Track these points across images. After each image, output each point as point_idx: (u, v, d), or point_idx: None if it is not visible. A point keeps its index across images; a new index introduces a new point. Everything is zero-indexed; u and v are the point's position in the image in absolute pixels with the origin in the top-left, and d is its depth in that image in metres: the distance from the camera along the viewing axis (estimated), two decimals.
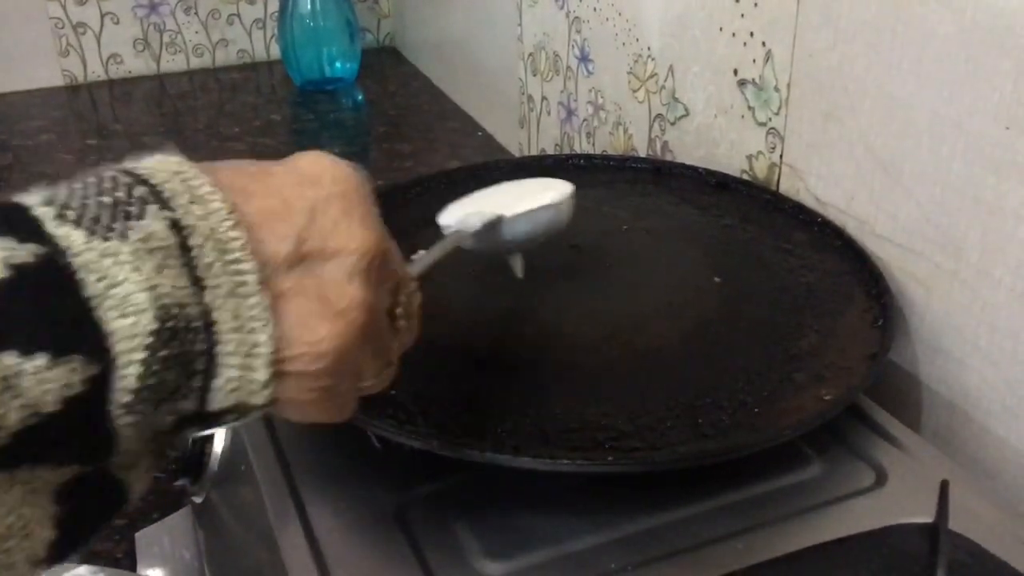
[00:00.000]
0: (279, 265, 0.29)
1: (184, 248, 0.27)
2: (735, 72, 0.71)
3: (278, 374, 0.29)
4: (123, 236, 0.26)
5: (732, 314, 0.57)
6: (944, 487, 0.44)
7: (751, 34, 0.68)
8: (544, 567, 0.43)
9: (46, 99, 1.37)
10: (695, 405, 0.49)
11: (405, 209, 0.71)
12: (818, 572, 0.42)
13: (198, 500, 0.56)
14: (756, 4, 0.67)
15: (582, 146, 0.96)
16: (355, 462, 0.49)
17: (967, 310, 0.54)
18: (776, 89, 0.67)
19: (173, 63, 1.46)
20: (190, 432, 0.30)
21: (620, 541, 0.44)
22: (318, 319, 0.30)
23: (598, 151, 0.92)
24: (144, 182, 0.28)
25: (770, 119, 0.68)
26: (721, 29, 0.71)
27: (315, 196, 0.31)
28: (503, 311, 0.59)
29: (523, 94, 1.07)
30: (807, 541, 0.43)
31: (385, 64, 1.51)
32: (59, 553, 0.27)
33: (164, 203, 0.28)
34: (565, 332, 0.56)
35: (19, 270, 0.25)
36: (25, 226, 0.26)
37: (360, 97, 1.39)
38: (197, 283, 0.27)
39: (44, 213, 0.26)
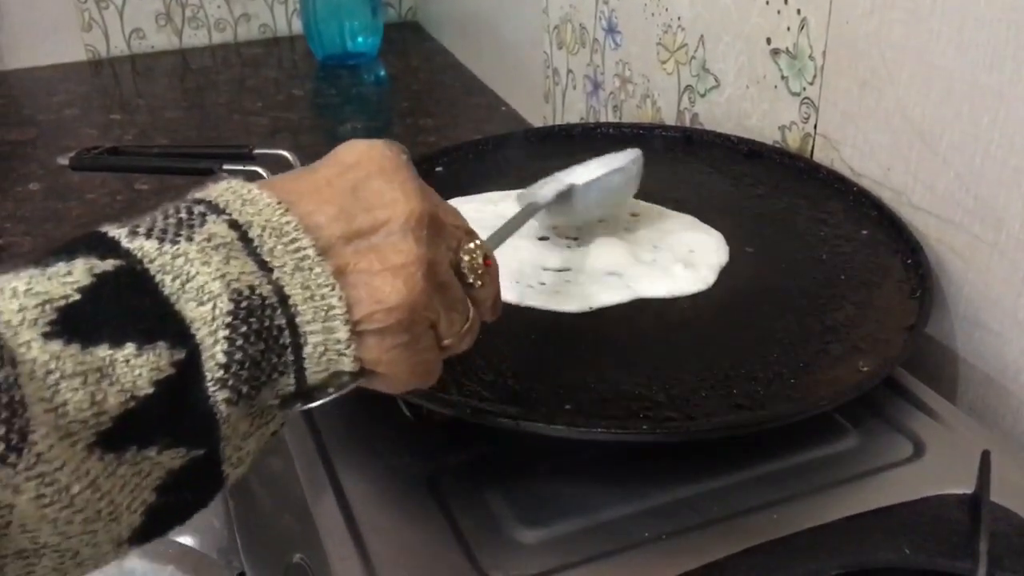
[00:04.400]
0: (336, 241, 0.32)
1: (246, 239, 0.31)
2: (768, 41, 0.69)
3: (357, 334, 0.32)
4: (189, 239, 0.30)
5: (766, 284, 0.56)
6: (985, 457, 0.43)
7: (785, 1, 0.67)
8: (577, 535, 0.43)
9: (69, 74, 1.37)
10: (730, 375, 0.48)
11: (431, 180, 0.71)
12: (856, 541, 0.41)
13: None
14: None
15: (608, 119, 0.95)
16: (387, 431, 0.49)
17: (1006, 282, 0.53)
18: (811, 58, 0.65)
19: (195, 38, 1.45)
20: (299, 406, 0.33)
21: (653, 510, 0.44)
22: (381, 279, 0.33)
23: None
24: (201, 201, 0.32)
25: (804, 89, 0.67)
26: None
27: (356, 177, 0.34)
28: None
29: (548, 68, 1.06)
30: (844, 511, 0.43)
31: (407, 39, 1.50)
32: (143, 537, 0.30)
33: (220, 211, 0.32)
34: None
35: (101, 277, 0.29)
36: (104, 245, 0.30)
37: (382, 72, 1.38)
38: (264, 266, 0.31)
39: (119, 233, 0.30)
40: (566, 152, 0.75)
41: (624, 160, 0.58)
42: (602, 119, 0.96)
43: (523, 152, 0.75)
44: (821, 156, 0.67)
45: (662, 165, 0.72)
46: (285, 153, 0.70)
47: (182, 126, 1.19)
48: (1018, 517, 0.42)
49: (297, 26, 1.47)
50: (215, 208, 0.32)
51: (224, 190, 0.32)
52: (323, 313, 0.31)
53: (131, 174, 0.98)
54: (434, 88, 1.31)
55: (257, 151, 0.70)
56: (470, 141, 0.76)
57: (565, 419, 0.45)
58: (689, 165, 0.71)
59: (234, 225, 0.31)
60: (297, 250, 0.31)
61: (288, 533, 0.49)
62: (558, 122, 1.06)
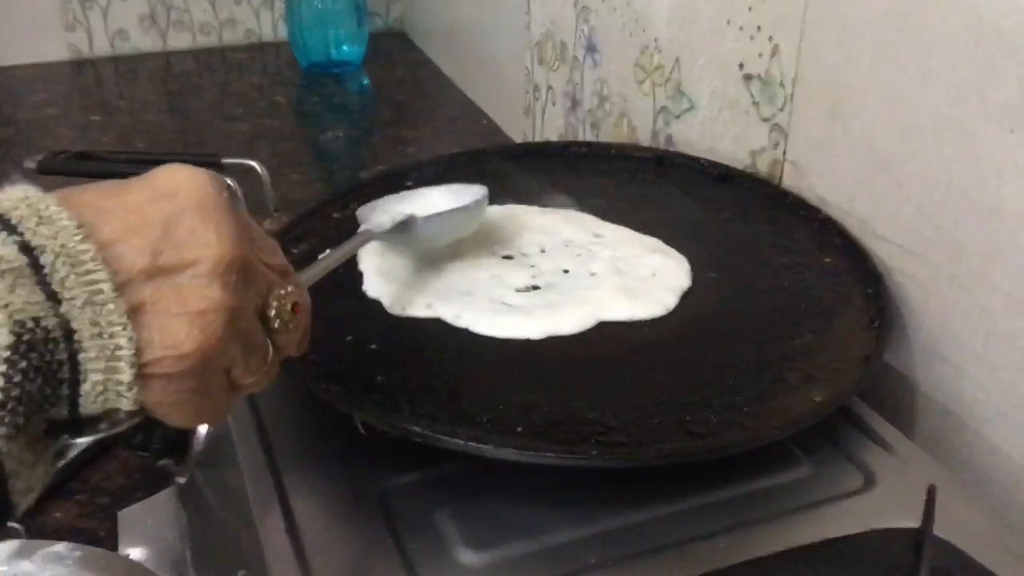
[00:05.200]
0: (137, 276, 0.31)
1: (36, 266, 0.29)
2: (741, 66, 0.70)
3: (143, 377, 0.31)
4: None
5: (726, 311, 0.56)
6: (931, 492, 0.43)
7: (758, 28, 0.67)
8: (524, 559, 0.43)
9: (50, 73, 1.36)
10: (683, 402, 0.48)
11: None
12: (799, 574, 0.41)
13: (182, 481, 0.56)
14: None
15: (586, 137, 0.95)
16: (339, 448, 0.49)
17: (965, 314, 0.54)
18: (781, 84, 0.66)
19: (179, 41, 1.45)
20: (66, 439, 0.31)
21: (601, 535, 0.44)
22: (178, 323, 0.31)
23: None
24: None
25: (775, 115, 0.67)
26: (728, 22, 0.70)
27: (171, 209, 0.32)
28: None
29: (529, 83, 1.06)
30: (790, 542, 0.43)
31: (393, 49, 1.50)
32: None
33: (11, 229, 0.29)
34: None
35: None
36: None
37: (366, 81, 1.38)
38: (52, 297, 0.29)
39: None
40: (539, 169, 0.75)
41: (469, 198, 0.59)
42: (580, 136, 0.96)
43: (496, 168, 0.75)
44: (790, 182, 0.67)
45: (632, 186, 0.72)
46: (254, 164, 0.69)
47: (162, 129, 1.18)
48: (961, 552, 0.42)
49: (282, 32, 1.47)
50: (6, 224, 0.29)
51: (20, 201, 0.30)
52: (108, 352, 0.30)
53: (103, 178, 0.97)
54: (417, 99, 1.31)
55: (225, 160, 0.70)
56: (442, 155, 0.76)
57: (514, 442, 0.45)
58: (660, 187, 0.71)
59: (25, 248, 0.29)
60: (91, 283, 0.30)
61: (235, 548, 0.49)
62: (537, 137, 1.06)
